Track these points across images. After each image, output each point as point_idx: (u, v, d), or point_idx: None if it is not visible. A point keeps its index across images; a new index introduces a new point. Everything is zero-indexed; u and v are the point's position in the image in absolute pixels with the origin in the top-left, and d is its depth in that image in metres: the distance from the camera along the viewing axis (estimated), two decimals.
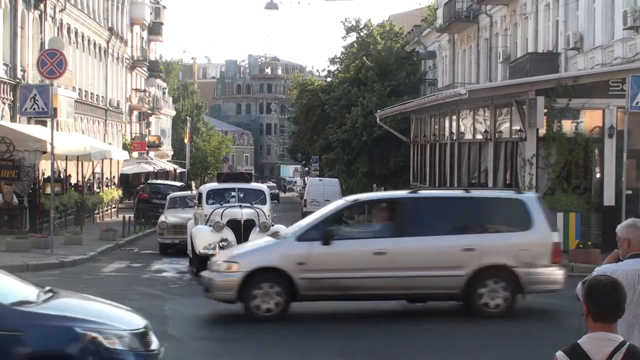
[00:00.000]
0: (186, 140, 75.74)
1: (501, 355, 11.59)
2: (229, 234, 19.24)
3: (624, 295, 4.49)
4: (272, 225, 19.76)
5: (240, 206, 20.17)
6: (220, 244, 18.94)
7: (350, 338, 12.43)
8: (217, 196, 21.23)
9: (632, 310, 5.65)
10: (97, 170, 38.14)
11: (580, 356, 4.36)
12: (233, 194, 21.34)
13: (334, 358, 11.29)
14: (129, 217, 31.62)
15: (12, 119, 32.08)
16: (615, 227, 6.34)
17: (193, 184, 54.50)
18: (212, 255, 19.27)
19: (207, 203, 20.80)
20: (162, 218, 26.07)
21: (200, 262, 19.47)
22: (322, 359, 11.31)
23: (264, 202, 21.04)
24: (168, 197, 29.20)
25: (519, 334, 12.91)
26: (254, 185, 23.22)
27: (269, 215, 20.54)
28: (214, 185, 22.49)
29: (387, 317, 14.19)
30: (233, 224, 19.48)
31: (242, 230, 19.42)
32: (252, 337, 12.50)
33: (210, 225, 19.53)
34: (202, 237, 19.41)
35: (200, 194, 21.76)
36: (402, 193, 16.42)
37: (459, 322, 13.73)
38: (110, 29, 51.91)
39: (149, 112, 68.55)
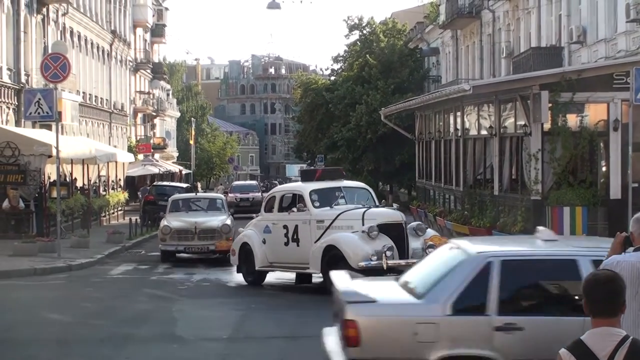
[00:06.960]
0: (191, 142, 75.82)
1: None
2: (387, 241, 16.03)
3: (616, 289, 4.38)
4: (427, 228, 17.26)
5: (393, 206, 17.18)
6: (386, 253, 15.71)
7: None
8: (322, 197, 17.80)
9: (638, 304, 5.64)
10: (103, 173, 38.17)
11: (584, 352, 4.28)
12: (340, 194, 18.09)
13: None
14: (136, 219, 31.62)
15: (17, 123, 32.12)
16: (622, 221, 6.39)
17: (199, 185, 54.61)
18: (379, 267, 15.52)
19: (313, 206, 17.51)
20: (164, 222, 23.88)
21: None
22: None
23: (372, 203, 17.83)
24: (170, 199, 26.73)
25: None
26: (356, 183, 20.36)
27: None
28: (315, 184, 18.38)
29: None
30: (386, 229, 16.29)
31: (405, 234, 16.35)
32: (261, 338, 12.50)
33: (363, 232, 16.16)
34: (356, 247, 16.02)
35: (298, 196, 18.10)
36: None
37: None
38: (113, 32, 51.95)
39: (154, 114, 68.62)
